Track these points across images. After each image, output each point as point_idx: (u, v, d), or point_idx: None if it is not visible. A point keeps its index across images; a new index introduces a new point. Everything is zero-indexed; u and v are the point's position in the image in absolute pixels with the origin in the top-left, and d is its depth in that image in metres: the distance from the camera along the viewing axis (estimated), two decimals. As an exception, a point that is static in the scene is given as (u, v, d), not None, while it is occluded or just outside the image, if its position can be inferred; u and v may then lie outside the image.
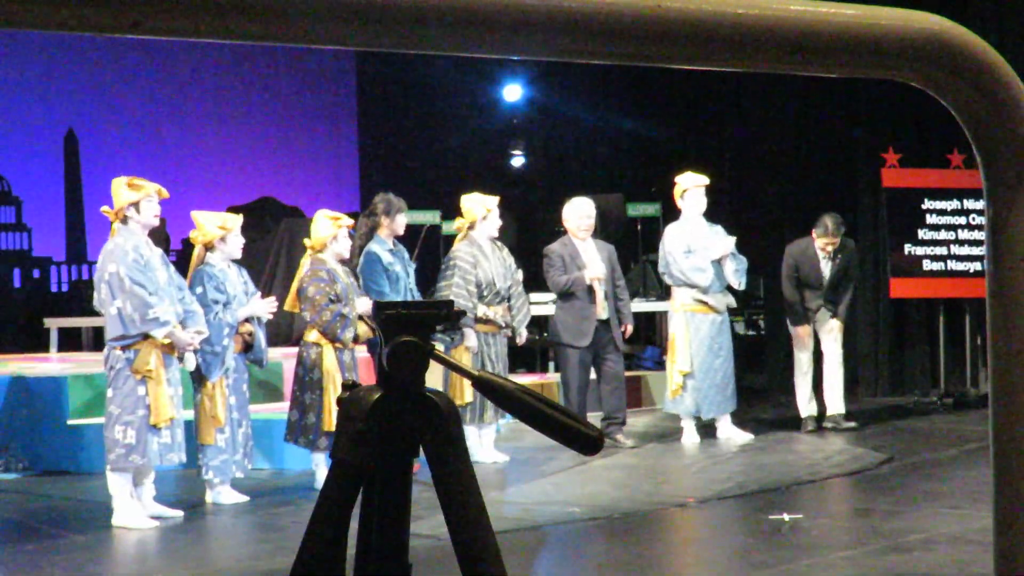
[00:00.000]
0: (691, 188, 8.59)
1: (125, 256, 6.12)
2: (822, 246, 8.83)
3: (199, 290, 6.62)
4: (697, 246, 8.49)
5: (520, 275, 8.17)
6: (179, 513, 6.37)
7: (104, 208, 6.34)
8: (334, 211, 7.29)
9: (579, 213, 8.46)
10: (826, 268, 8.88)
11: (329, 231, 7.08)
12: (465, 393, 7.60)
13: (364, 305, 6.98)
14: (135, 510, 6.19)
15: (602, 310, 8.33)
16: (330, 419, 6.80)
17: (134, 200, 6.22)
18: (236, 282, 6.80)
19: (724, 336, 8.57)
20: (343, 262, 7.19)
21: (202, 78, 17.29)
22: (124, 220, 6.23)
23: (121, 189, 6.25)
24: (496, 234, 8.01)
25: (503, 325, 7.94)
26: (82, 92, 16.65)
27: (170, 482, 7.33)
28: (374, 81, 17.23)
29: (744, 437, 8.55)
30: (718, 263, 8.48)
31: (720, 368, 8.51)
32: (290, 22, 1.07)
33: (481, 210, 7.93)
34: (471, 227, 8.00)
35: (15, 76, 16.09)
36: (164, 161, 16.90)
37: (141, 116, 16.89)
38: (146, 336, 6.13)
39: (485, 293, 7.84)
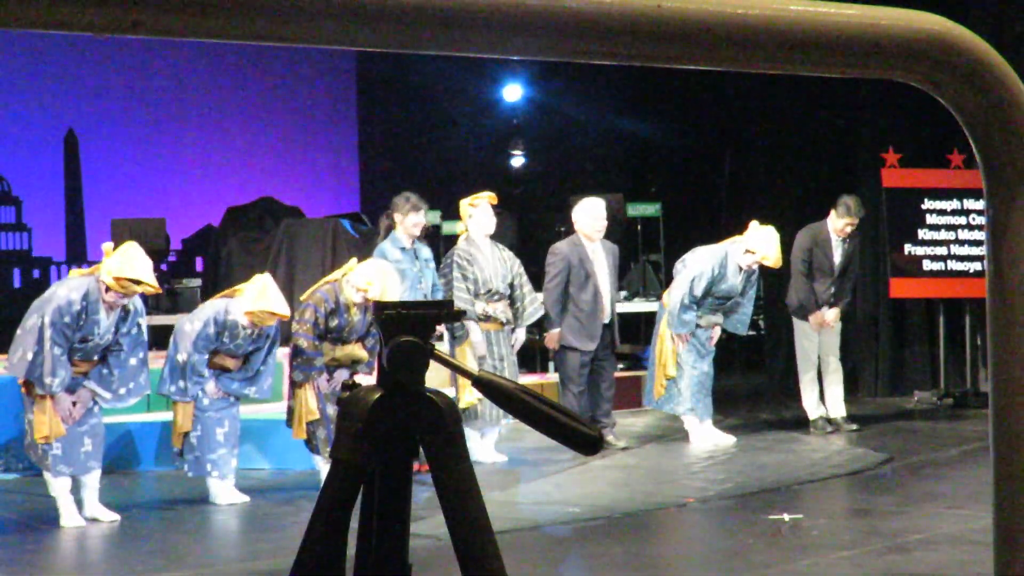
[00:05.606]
0: (761, 254, 8.23)
1: (60, 317, 6.00)
2: (842, 227, 8.81)
3: (181, 356, 6.60)
4: (718, 290, 8.39)
5: (521, 272, 8.09)
6: (116, 516, 6.29)
7: (105, 245, 6.21)
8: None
9: (592, 214, 8.33)
10: (838, 254, 8.86)
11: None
12: (471, 393, 7.57)
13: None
14: (66, 509, 6.20)
15: (607, 314, 8.32)
16: (297, 416, 6.84)
17: (112, 288, 6.04)
18: (242, 335, 6.73)
19: (709, 341, 8.56)
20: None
21: (202, 78, 17.28)
22: (98, 277, 6.11)
23: (112, 276, 6.00)
24: (491, 230, 7.95)
25: (505, 321, 7.92)
26: (82, 92, 16.63)
27: (170, 481, 7.34)
28: (374, 81, 17.23)
29: (728, 440, 8.51)
30: (722, 299, 8.45)
31: (708, 372, 8.50)
32: (290, 22, 1.07)
33: (468, 208, 7.93)
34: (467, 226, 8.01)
35: (15, 76, 16.08)
36: (164, 161, 16.89)
37: (141, 116, 16.87)
38: None
39: (482, 292, 7.83)
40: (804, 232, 9.01)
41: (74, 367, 6.14)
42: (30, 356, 6.02)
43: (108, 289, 6.06)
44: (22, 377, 6.09)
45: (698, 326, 8.43)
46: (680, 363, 8.43)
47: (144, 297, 6.51)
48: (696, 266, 8.35)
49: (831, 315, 8.86)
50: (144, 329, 6.45)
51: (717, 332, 8.61)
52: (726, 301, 8.48)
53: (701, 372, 8.44)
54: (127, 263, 6.05)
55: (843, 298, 8.96)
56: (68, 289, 6.13)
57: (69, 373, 6.09)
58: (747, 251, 8.31)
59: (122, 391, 6.31)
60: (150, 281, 6.11)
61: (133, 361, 6.32)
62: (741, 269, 8.38)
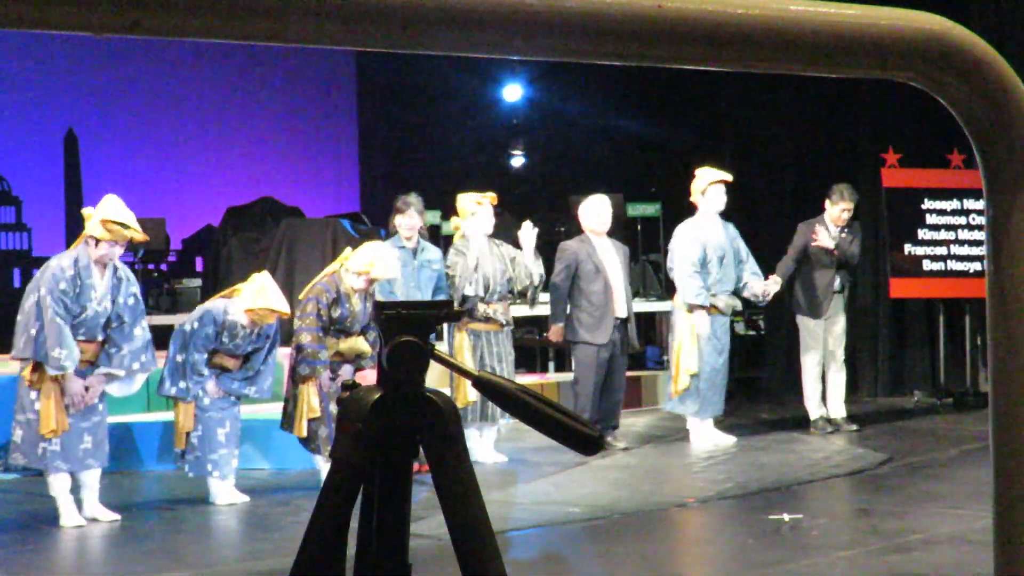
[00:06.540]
0: (714, 184, 8.52)
1: (56, 284, 6.06)
2: (838, 214, 8.85)
3: (181, 356, 6.62)
4: (712, 254, 8.43)
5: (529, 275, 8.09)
6: (116, 516, 6.30)
7: (84, 210, 6.29)
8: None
9: (596, 210, 8.46)
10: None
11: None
12: (468, 393, 7.58)
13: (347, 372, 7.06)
14: (66, 509, 6.20)
15: (620, 308, 8.33)
16: (299, 413, 6.84)
17: (101, 238, 6.11)
18: (242, 335, 6.74)
19: (727, 336, 8.57)
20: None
21: (202, 78, 17.26)
22: (85, 240, 6.18)
23: (99, 220, 6.10)
24: (490, 230, 7.99)
25: (505, 323, 7.93)
26: (82, 92, 16.62)
27: (170, 481, 7.34)
28: (374, 81, 17.21)
29: (728, 440, 8.50)
30: (719, 264, 8.46)
31: (721, 369, 8.50)
32: (290, 22, 1.07)
33: (472, 206, 7.95)
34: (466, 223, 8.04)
35: (15, 76, 16.07)
36: (164, 161, 16.87)
37: (141, 116, 16.84)
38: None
39: (481, 290, 7.84)
40: (803, 226, 9.04)
41: (81, 354, 6.14)
42: (34, 332, 6.04)
43: (98, 243, 6.12)
44: (31, 358, 6.05)
45: (718, 310, 8.43)
46: (700, 359, 8.42)
47: (144, 296, 6.53)
48: (681, 240, 8.53)
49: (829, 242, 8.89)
50: (140, 300, 6.47)
51: (772, 285, 8.65)
52: (722, 266, 8.49)
53: (714, 369, 8.45)
54: (113, 210, 6.15)
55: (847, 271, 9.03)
56: (58, 259, 6.24)
57: (76, 349, 6.08)
58: (700, 193, 8.54)
59: (135, 366, 6.31)
60: (136, 227, 6.19)
61: (138, 331, 6.34)
62: (719, 221, 8.54)
